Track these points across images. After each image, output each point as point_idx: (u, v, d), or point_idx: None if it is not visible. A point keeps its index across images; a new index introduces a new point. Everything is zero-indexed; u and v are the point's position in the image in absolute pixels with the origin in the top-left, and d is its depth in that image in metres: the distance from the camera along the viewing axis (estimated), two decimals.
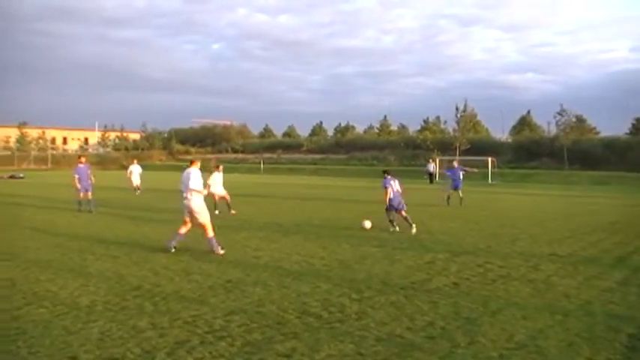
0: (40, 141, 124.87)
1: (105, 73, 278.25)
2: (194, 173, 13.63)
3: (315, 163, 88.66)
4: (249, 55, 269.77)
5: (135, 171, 35.85)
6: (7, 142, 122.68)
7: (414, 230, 17.11)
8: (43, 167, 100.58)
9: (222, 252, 13.27)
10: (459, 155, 68.43)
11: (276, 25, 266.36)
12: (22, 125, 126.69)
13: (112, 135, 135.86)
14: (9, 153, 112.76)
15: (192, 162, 14.18)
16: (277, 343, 6.99)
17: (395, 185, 18.02)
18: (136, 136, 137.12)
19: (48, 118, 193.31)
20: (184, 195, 13.56)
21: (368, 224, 17.81)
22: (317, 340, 7.10)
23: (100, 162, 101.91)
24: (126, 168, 40.39)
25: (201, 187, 13.71)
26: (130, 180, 35.76)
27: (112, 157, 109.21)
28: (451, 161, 35.04)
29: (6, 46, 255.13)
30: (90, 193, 24.15)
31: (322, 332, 7.40)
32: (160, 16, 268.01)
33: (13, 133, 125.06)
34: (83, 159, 25.91)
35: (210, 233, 13.51)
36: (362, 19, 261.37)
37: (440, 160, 62.73)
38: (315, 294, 9.44)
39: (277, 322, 7.81)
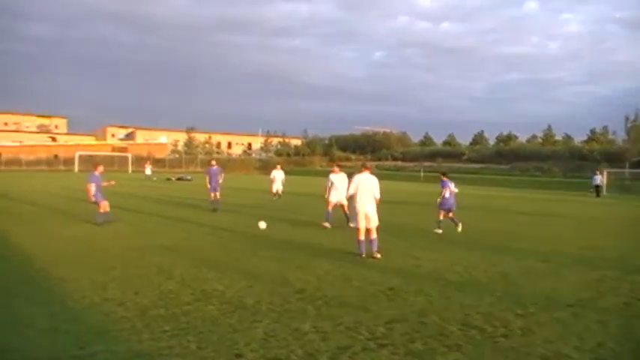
0: (207, 145, 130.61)
1: (268, 80, 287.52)
2: (376, 181, 14.08)
3: (475, 173, 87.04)
4: (409, 63, 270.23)
5: (277, 177, 34.84)
6: (176, 145, 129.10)
7: (459, 228, 18.96)
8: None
9: (379, 256, 13.38)
10: (629, 168, 65.22)
11: (439, 32, 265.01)
12: (190, 130, 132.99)
13: (275, 140, 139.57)
14: (177, 156, 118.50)
15: (365, 167, 14.44)
16: (440, 354, 6.88)
17: (451, 187, 19.28)
18: (297, 142, 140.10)
19: (214, 124, 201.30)
20: (361, 200, 13.84)
21: (262, 225, 18.24)
22: (480, 353, 6.93)
23: (263, 167, 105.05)
24: (268, 173, 39.72)
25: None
26: (271, 185, 35.13)
27: (274, 162, 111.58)
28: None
29: (179, 56, 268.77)
30: (218, 194, 26.20)
31: (486, 346, 7.22)
32: (321, 25, 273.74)
33: (182, 138, 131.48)
34: (214, 162, 28.35)
35: (375, 234, 13.70)
36: (527, 25, 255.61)
37: (607, 173, 59.84)
38: (478, 307, 9.21)
39: (440, 333, 7.69)
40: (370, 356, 6.74)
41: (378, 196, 14.00)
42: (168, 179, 64.21)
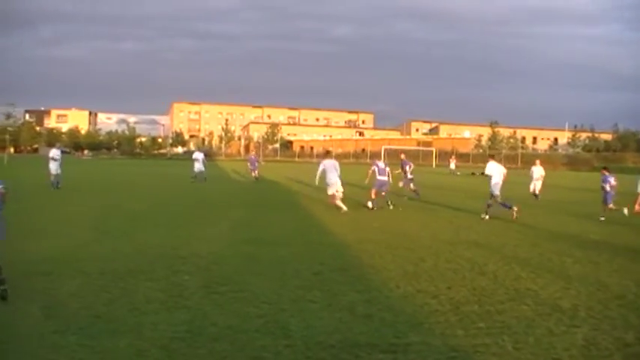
0: (511, 140, 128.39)
1: (573, 71, 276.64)
2: None
3: None
4: None
5: (536, 173, 31.84)
6: (480, 140, 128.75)
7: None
8: (513, 166, 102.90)
9: None
10: None
11: None
12: (493, 124, 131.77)
13: (583, 135, 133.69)
14: (481, 151, 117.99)
15: None
16: None
17: (612, 181, 20.55)
18: (607, 137, 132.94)
19: (518, 118, 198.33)
20: None
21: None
22: None
23: (569, 163, 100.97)
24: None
25: None
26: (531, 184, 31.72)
27: (582, 159, 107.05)
28: None
29: (477, 50, 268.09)
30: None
31: None
32: (627, 9, 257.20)
33: (485, 132, 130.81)
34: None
35: None
36: None
37: None
38: None
39: None
40: None
41: None
42: (472, 174, 64.04)
